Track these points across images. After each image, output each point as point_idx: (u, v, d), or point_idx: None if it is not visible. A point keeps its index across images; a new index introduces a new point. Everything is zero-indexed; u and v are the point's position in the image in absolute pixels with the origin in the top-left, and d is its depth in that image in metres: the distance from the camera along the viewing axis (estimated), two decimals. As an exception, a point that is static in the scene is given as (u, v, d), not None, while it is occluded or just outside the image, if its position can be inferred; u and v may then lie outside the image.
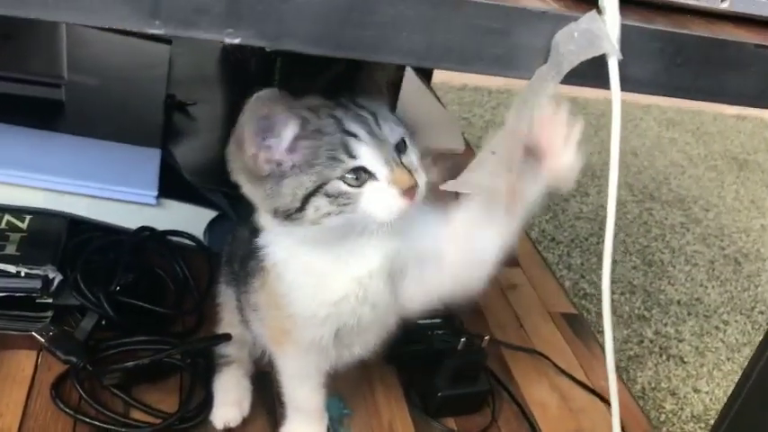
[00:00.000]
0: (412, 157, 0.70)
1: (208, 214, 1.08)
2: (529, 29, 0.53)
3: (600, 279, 1.63)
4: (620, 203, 2.09)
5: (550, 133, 0.62)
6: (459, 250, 0.73)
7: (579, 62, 0.54)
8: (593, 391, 1.06)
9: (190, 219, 1.07)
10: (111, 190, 1.02)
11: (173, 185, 1.07)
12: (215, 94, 1.37)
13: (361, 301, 0.75)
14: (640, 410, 1.06)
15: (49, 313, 0.95)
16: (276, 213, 0.69)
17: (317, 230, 0.68)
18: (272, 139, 0.66)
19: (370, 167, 0.67)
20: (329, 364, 0.83)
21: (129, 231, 1.04)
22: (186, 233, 1.06)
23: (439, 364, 0.95)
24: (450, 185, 0.67)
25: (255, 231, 0.77)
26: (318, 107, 0.69)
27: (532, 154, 0.63)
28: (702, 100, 0.58)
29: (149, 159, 1.07)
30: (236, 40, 0.50)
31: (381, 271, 0.74)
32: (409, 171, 0.68)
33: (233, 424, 0.88)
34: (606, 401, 1.06)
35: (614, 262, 1.82)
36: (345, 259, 0.73)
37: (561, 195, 2.04)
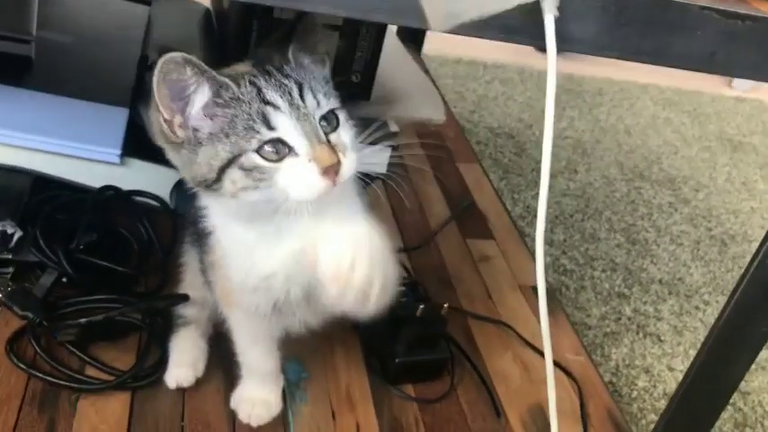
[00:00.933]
0: (342, 133, 0.67)
1: (174, 175, 1.07)
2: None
3: (582, 255, 1.63)
4: (609, 182, 2.07)
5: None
6: None
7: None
8: (556, 364, 1.06)
9: (156, 179, 1.06)
10: (75, 147, 1.01)
11: (141, 146, 1.06)
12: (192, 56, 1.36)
13: (290, 279, 0.73)
14: (605, 387, 1.06)
15: (10, 269, 0.95)
16: (195, 182, 0.67)
17: (241, 204, 0.66)
18: (181, 103, 0.63)
19: (289, 141, 0.64)
20: (278, 329, 0.83)
21: (93, 190, 1.03)
22: (151, 193, 1.06)
23: (398, 330, 0.95)
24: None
25: None
26: (242, 74, 0.66)
27: None
28: (647, 62, 0.57)
29: (116, 118, 1.06)
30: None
31: (309, 255, 0.70)
32: (333, 148, 0.65)
33: (185, 384, 0.88)
34: (569, 375, 1.06)
35: (597, 239, 1.81)
36: (275, 236, 0.71)
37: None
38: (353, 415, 0.91)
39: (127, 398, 0.86)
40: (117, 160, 1.02)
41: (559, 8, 0.53)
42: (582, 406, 1.00)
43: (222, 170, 0.64)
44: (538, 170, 2.15)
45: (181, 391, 0.88)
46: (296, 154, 0.64)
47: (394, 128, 1.40)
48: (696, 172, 2.25)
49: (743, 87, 3.00)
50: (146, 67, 1.22)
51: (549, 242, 1.73)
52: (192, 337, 0.92)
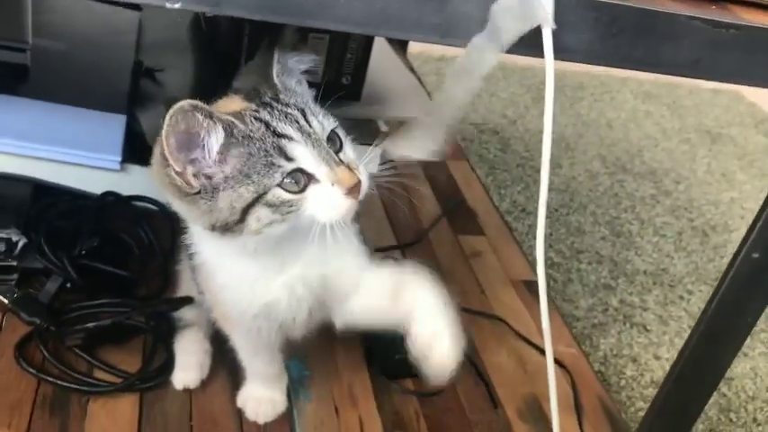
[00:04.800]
0: (348, 151, 0.68)
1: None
2: (466, -2, 0.55)
3: (568, 249, 1.65)
4: (592, 175, 2.11)
5: None
6: (387, 306, 0.75)
7: (518, 36, 0.55)
8: (549, 356, 1.09)
9: (155, 184, 1.08)
10: (75, 155, 1.03)
11: (138, 151, 1.08)
12: (184, 61, 1.38)
13: (294, 304, 0.75)
14: (595, 377, 1.09)
15: (14, 276, 0.96)
16: (213, 227, 0.65)
17: (258, 239, 0.66)
18: (197, 151, 0.62)
19: (308, 169, 0.64)
20: (279, 341, 0.85)
21: (93, 196, 1.05)
22: (151, 198, 1.08)
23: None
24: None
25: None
26: (242, 111, 0.65)
27: None
28: (638, 69, 0.60)
29: (114, 125, 1.08)
30: (177, 5, 0.51)
31: (313, 279, 0.73)
32: (349, 167, 0.66)
33: (192, 385, 0.91)
34: (562, 366, 1.09)
35: (583, 232, 1.84)
36: (277, 265, 0.72)
37: (534, 167, 2.05)
38: (356, 410, 0.94)
39: (136, 400, 0.88)
40: (118, 167, 1.04)
41: (555, 20, 0.56)
42: (575, 396, 1.03)
43: (246, 211, 0.63)
44: (523, 165, 2.19)
45: (187, 391, 0.91)
46: (317, 180, 0.65)
47: (383, 128, 1.43)
48: (677, 164, 2.29)
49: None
50: (140, 72, 1.23)
51: (535, 236, 1.76)
52: (195, 339, 0.94)
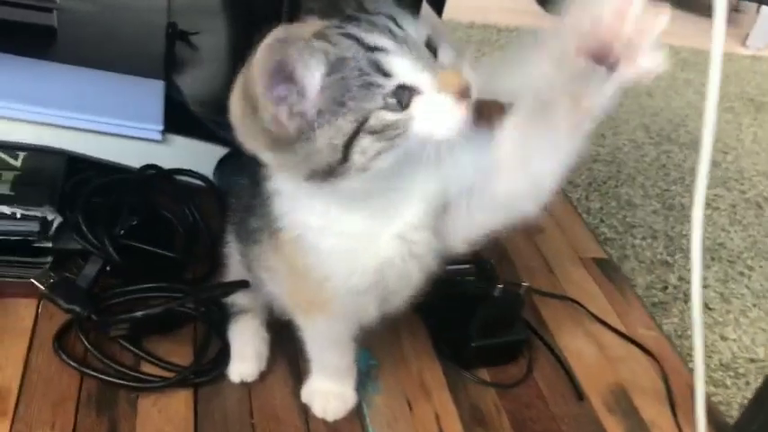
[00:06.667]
0: (448, 54, 0.58)
1: (217, 151, 0.99)
2: None
3: (621, 223, 1.55)
4: (638, 146, 2.01)
5: (624, 29, 0.49)
6: (514, 177, 0.60)
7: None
8: (631, 340, 1.00)
9: (198, 156, 0.98)
10: (113, 124, 0.93)
11: (178, 120, 0.98)
12: (219, 23, 1.27)
13: (408, 259, 0.65)
14: (682, 362, 1.00)
15: (49, 258, 0.87)
16: (314, 175, 0.57)
17: (366, 178, 0.57)
18: (289, 87, 0.54)
19: (410, 82, 0.55)
20: (355, 329, 0.75)
21: (132, 170, 0.95)
22: (195, 172, 0.98)
23: (472, 312, 0.88)
24: (497, 94, 0.58)
25: (258, 181, 0.66)
26: (326, 30, 0.56)
27: (600, 54, 0.50)
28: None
29: (153, 91, 0.98)
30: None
31: (426, 218, 0.64)
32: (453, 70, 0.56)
33: (250, 379, 0.81)
34: (645, 350, 1.00)
35: (634, 206, 1.75)
36: (385, 214, 0.63)
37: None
38: (430, 404, 0.85)
39: (189, 395, 0.79)
40: (159, 137, 0.94)
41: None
42: (667, 385, 0.94)
43: (348, 145, 0.55)
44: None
45: (246, 385, 0.81)
46: (419, 92, 0.55)
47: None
48: (722, 134, 2.19)
49: (757, 46, 2.93)
50: (174, 35, 1.13)
51: (586, 210, 1.67)
52: (251, 327, 0.85)
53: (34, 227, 0.84)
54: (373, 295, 0.68)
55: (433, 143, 0.56)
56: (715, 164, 2.00)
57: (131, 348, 0.81)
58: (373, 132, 0.55)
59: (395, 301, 0.73)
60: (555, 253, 1.14)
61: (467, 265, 0.94)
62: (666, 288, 1.51)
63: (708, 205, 1.81)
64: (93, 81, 0.97)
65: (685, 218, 1.75)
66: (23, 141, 0.90)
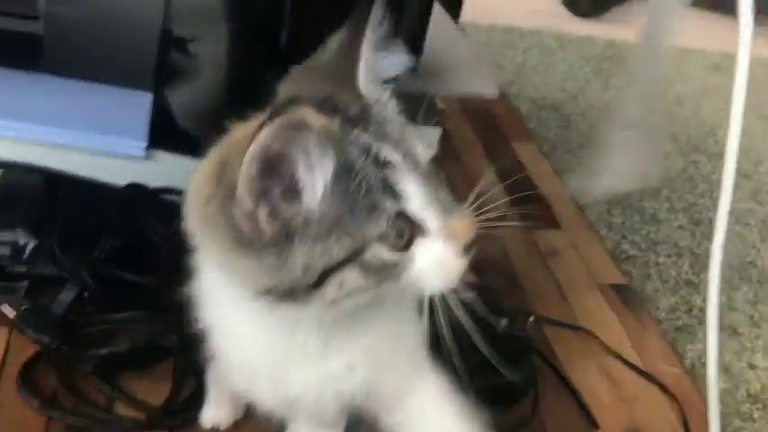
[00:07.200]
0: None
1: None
2: None
3: (644, 240, 1.46)
4: (664, 155, 1.92)
5: None
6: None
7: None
8: (649, 377, 0.93)
9: (186, 174, 0.92)
10: (93, 140, 0.88)
11: (167, 135, 0.93)
12: (218, 30, 1.21)
13: (331, 397, 0.57)
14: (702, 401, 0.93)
15: (25, 283, 0.83)
16: (270, 292, 0.47)
17: (325, 311, 0.48)
18: (280, 182, 0.45)
19: (415, 214, 0.46)
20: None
21: (114, 189, 0.90)
22: (182, 191, 0.92)
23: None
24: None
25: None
26: (337, 128, 0.46)
27: None
28: None
29: (138, 104, 0.93)
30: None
31: (364, 365, 0.56)
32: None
33: (223, 426, 0.75)
34: (663, 388, 0.93)
35: (659, 221, 1.66)
36: (327, 345, 0.54)
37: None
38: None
39: (162, 439, 0.74)
40: (142, 153, 0.89)
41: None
42: (687, 429, 0.87)
43: (328, 273, 0.45)
44: (586, 146, 2.01)
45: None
46: (424, 232, 0.47)
47: (441, 105, 1.27)
48: (754, 143, 2.09)
49: (794, 49, 2.83)
50: (169, 43, 1.08)
51: (607, 226, 1.59)
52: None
53: (5, 251, 0.80)
54: (282, 412, 0.62)
55: (424, 292, 0.49)
56: (747, 176, 1.92)
57: (101, 386, 0.75)
58: (364, 267, 0.46)
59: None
60: (569, 278, 1.08)
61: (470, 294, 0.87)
62: (691, 310, 1.42)
63: (737, 220, 1.73)
64: (77, 93, 0.92)
65: (713, 234, 1.66)
66: (-1, 158, 0.86)
